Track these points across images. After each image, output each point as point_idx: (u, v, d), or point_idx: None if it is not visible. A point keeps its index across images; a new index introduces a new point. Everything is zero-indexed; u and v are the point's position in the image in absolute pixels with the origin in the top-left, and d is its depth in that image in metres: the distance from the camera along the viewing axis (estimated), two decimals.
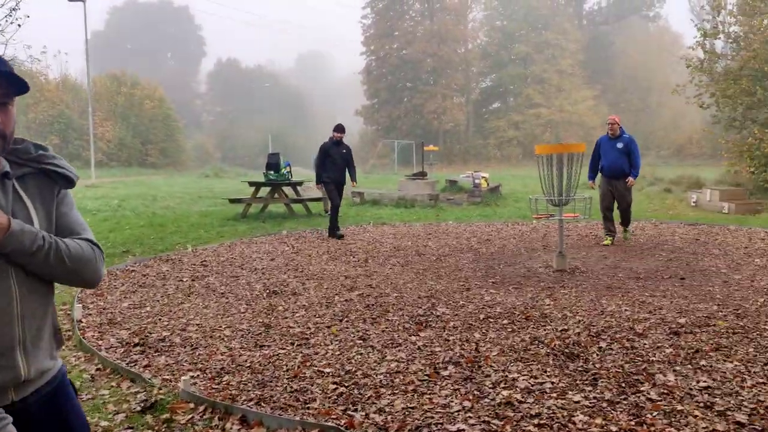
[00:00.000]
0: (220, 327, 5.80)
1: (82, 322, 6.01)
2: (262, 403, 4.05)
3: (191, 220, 14.72)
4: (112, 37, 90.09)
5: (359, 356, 4.92)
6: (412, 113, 62.90)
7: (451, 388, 4.23)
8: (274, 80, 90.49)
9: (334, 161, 11.81)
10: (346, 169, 12.06)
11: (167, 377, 4.57)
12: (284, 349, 5.15)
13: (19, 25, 10.45)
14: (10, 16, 10.77)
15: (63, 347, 5.12)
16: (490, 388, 4.21)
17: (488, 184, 20.29)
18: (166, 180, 35.75)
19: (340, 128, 11.99)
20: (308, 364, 4.77)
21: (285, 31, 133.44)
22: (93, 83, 39.53)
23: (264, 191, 15.83)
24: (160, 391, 4.28)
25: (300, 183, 16.72)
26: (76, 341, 5.50)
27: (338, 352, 5.02)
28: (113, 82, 52.48)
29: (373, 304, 6.52)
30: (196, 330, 5.73)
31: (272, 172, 15.53)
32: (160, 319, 6.11)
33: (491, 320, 5.86)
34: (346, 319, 6.01)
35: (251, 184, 16.30)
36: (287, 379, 4.47)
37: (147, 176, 40.99)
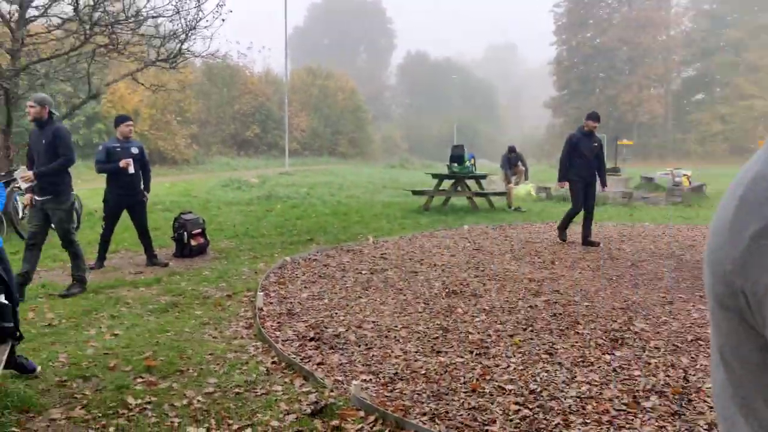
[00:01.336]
0: (396, 327, 5.55)
1: (263, 310, 6.06)
2: (437, 420, 3.70)
3: (374, 210, 14.83)
4: (310, 32, 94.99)
5: (545, 374, 4.41)
6: (605, 104, 59.71)
7: (655, 424, 3.60)
8: (462, 72, 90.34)
9: (583, 155, 9.84)
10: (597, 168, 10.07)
11: (339, 378, 4.38)
12: (462, 357, 4.77)
13: (223, 20, 10.99)
14: (217, 11, 11.37)
15: (244, 336, 5.10)
16: (705, 429, 3.53)
17: (690, 183, 18.49)
18: (353, 169, 36.89)
19: (594, 116, 9.94)
20: (488, 377, 4.35)
21: (475, 22, 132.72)
22: (291, 76, 41.80)
23: (447, 184, 15.57)
24: (331, 394, 4.09)
25: (484, 176, 16.26)
26: (256, 330, 5.52)
27: (521, 367, 4.55)
28: (309, 75, 55.24)
29: (560, 313, 5.94)
30: (372, 328, 5.52)
31: (456, 165, 15.22)
32: (336, 313, 6.00)
33: (702, 343, 5.06)
34: (530, 328, 5.50)
35: (434, 176, 16.11)
36: (465, 393, 4.08)
37: (335, 165, 42.65)
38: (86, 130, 28.17)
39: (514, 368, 4.52)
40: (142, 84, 12.35)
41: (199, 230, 9.15)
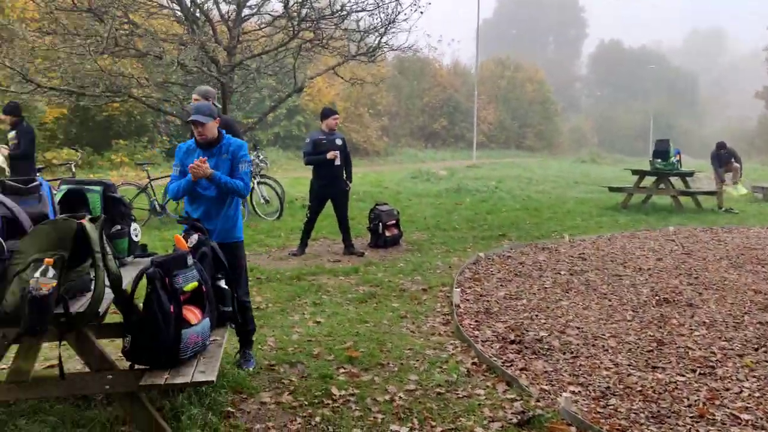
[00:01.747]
0: (603, 335, 5.16)
1: (459, 307, 5.92)
2: None
3: (567, 206, 14.20)
4: (500, 23, 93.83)
5: None
6: None
7: None
8: (659, 61, 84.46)
9: None
10: None
11: (545, 387, 4.11)
12: (683, 376, 4.29)
13: (421, 12, 11.00)
14: (415, 4, 11.40)
15: (441, 333, 4.98)
16: None
17: None
18: (541, 163, 35.86)
19: None
20: (717, 402, 3.86)
21: (674, 9, 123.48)
22: (479, 68, 41.54)
23: (648, 181, 14.51)
24: (538, 404, 3.84)
25: (690, 173, 14.96)
26: (453, 327, 5.40)
27: (757, 394, 3.99)
28: (497, 67, 54.56)
29: None
30: (577, 334, 5.18)
31: (660, 161, 14.12)
32: (536, 316, 5.71)
33: None
34: (763, 348, 4.85)
35: (635, 172, 15.08)
36: (691, 418, 3.65)
37: (522, 158, 41.75)
38: (287, 122, 29.93)
39: (749, 394, 3.98)
40: (342, 77, 12.76)
41: (394, 221, 9.24)
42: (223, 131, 4.52)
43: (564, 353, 4.75)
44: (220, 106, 7.19)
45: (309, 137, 8.37)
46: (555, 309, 5.92)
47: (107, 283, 2.99)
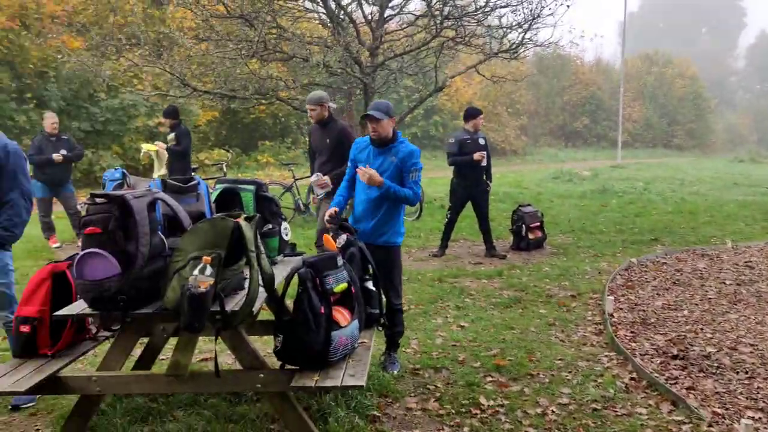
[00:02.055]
0: None
1: (613, 316, 5.54)
2: None
3: (726, 209, 13.11)
4: (646, 17, 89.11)
5: None
6: None
7: None
8: None
9: None
10: None
11: (718, 411, 3.71)
12: None
13: (568, 6, 10.54)
14: None
15: (594, 344, 4.66)
16: None
17: None
18: (692, 163, 33.59)
19: None
20: None
21: None
22: (624, 64, 39.58)
23: None
24: (711, 429, 3.47)
25: None
26: (608, 338, 5.05)
27: None
28: (644, 62, 51.75)
29: None
30: (751, 352, 4.67)
31: None
32: (701, 329, 5.23)
33: None
34: None
35: None
36: None
37: (671, 158, 39.33)
38: (424, 122, 30.01)
39: None
40: (483, 76, 12.52)
41: (537, 223, 8.90)
42: (398, 133, 4.42)
43: (737, 372, 4.28)
44: (335, 105, 7.07)
45: (453, 137, 8.20)
46: (722, 322, 5.40)
47: (261, 282, 3.00)
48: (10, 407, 3.88)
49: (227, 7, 9.74)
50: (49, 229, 9.18)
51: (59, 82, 17.23)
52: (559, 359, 4.61)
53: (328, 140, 6.36)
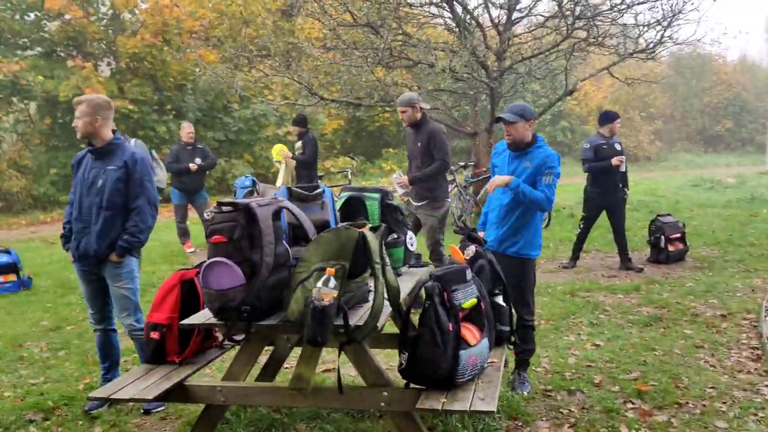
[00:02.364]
0: None
1: None
2: None
3: None
4: None
5: None
6: None
7: None
8: None
9: None
10: None
11: None
12: None
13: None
14: None
15: (751, 371, 4.16)
16: None
17: None
18: None
19: None
20: None
21: None
22: None
23: None
24: None
25: None
26: (767, 365, 4.51)
27: None
28: None
29: None
30: None
31: None
32: None
33: None
34: None
35: None
36: None
37: None
38: (551, 127, 29.12)
39: None
40: (617, 78, 11.88)
41: (678, 235, 8.24)
42: (539, 137, 4.17)
43: None
44: (427, 106, 6.85)
45: (588, 142, 7.73)
46: None
47: (386, 295, 2.85)
48: (142, 411, 3.97)
49: (354, 15, 9.80)
50: (184, 234, 9.59)
51: (196, 94, 18.16)
52: (711, 387, 4.15)
53: (419, 143, 6.22)
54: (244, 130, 18.71)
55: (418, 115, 6.20)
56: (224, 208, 2.88)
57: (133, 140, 7.13)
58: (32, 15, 16.57)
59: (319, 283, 2.67)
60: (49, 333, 5.94)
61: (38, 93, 15.60)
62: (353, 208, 3.83)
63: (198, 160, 9.20)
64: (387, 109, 11.63)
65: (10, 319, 6.47)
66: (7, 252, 8.01)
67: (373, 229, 2.92)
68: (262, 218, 2.83)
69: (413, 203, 6.32)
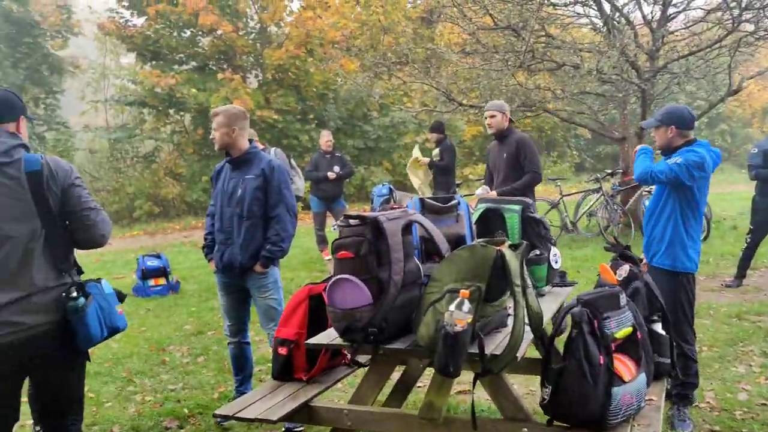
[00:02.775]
0: None
1: None
2: None
3: None
4: None
5: None
6: None
7: None
8: None
9: None
10: None
11: None
12: None
13: None
14: None
15: None
16: None
17: None
18: None
19: None
20: None
21: None
22: None
23: None
24: None
25: None
26: None
27: None
28: None
29: None
30: None
31: None
32: None
33: None
34: None
35: None
36: None
37: None
38: (708, 131, 27.03)
39: None
40: None
41: None
42: (701, 142, 3.76)
43: None
44: (510, 105, 6.43)
45: (757, 147, 6.90)
46: None
47: (526, 320, 2.54)
48: (283, 429, 3.88)
49: (494, 18, 9.47)
50: (322, 242, 9.67)
51: (337, 103, 18.51)
52: None
53: (505, 154, 5.92)
54: (383, 138, 18.83)
55: (506, 124, 5.99)
56: (351, 222, 2.70)
57: (272, 149, 7.25)
58: (188, 32, 17.60)
59: (452, 306, 2.41)
60: (191, 338, 6.10)
61: (191, 105, 16.52)
62: (491, 222, 3.53)
63: (336, 168, 9.25)
64: (528, 114, 11.18)
65: (157, 323, 6.74)
66: (158, 257, 8.43)
67: (514, 247, 2.62)
68: (390, 233, 2.61)
69: None
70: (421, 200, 3.36)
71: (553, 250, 3.54)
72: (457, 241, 3.26)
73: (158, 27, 17.14)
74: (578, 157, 23.25)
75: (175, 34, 17.54)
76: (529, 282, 2.62)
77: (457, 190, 9.67)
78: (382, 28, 17.64)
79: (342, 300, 2.64)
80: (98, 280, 2.81)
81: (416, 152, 9.55)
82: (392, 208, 3.17)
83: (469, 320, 2.39)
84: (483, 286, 2.49)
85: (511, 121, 6.07)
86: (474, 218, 3.53)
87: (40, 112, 18.42)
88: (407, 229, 2.76)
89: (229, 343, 4.29)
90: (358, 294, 2.60)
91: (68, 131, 17.81)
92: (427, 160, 9.35)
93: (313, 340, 2.85)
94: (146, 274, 8.18)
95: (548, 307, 3.12)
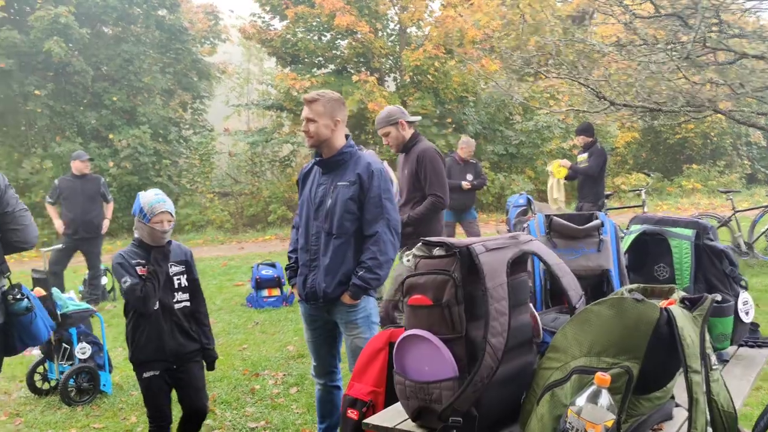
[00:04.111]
0: None
1: None
2: None
3: None
4: None
5: None
6: None
7: None
8: None
9: None
10: None
11: None
12: None
13: None
14: None
15: None
16: None
17: None
18: None
19: None
20: None
21: None
22: None
23: None
24: None
25: None
26: None
27: None
28: None
29: None
30: None
31: None
32: None
33: None
34: None
35: None
36: None
37: None
38: None
39: None
40: None
41: None
42: None
43: None
44: (415, 118, 4.81)
45: None
46: None
47: (708, 414, 1.53)
48: None
49: (656, 5, 8.15)
50: None
51: (477, 106, 17.54)
52: None
53: (406, 171, 4.55)
54: (526, 144, 17.60)
55: (407, 132, 4.56)
56: (432, 251, 1.82)
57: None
58: (327, 35, 17.38)
59: (581, 399, 1.47)
60: (290, 362, 5.46)
61: None
62: (650, 251, 2.50)
63: (470, 177, 8.39)
64: (695, 116, 9.67)
65: (260, 339, 6.19)
66: (273, 266, 7.95)
67: (689, 303, 1.62)
68: (489, 270, 1.70)
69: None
70: (548, 218, 2.41)
71: (743, 295, 2.44)
72: (598, 281, 2.29)
73: (297, 30, 17.05)
74: (750, 167, 20.64)
75: (315, 37, 17.38)
76: (714, 360, 1.61)
77: (606, 203, 8.44)
78: (529, 27, 16.49)
79: (414, 368, 1.78)
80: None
81: (557, 162, 8.51)
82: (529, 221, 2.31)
83: (609, 423, 1.44)
84: (636, 366, 1.52)
85: (411, 125, 4.61)
86: (625, 245, 2.52)
87: (187, 117, 18.98)
88: (519, 264, 1.84)
89: (316, 384, 3.55)
90: (437, 362, 1.72)
91: (210, 134, 18.16)
92: (568, 163, 8.24)
93: (374, 419, 1.98)
94: (260, 283, 7.72)
95: (737, 385, 2.06)
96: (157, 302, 3.21)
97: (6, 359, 5.88)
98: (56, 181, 8.16)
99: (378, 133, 4.66)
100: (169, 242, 3.33)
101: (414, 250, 1.86)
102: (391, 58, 17.87)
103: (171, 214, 3.26)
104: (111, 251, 9.96)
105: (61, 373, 4.71)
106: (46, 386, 4.99)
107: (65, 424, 4.38)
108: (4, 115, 15.96)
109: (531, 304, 1.95)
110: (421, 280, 1.77)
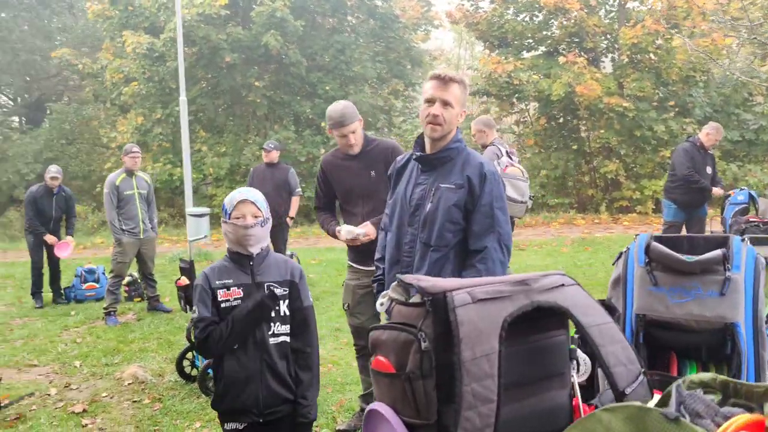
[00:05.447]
0: None
1: None
2: None
3: None
4: None
5: None
6: None
7: None
8: None
9: None
10: None
11: None
12: None
13: None
14: None
15: None
16: None
17: None
18: None
19: None
20: None
21: None
22: None
23: None
24: None
25: None
26: None
27: None
28: None
29: None
30: None
31: None
32: None
33: None
34: None
35: None
36: None
37: None
38: None
39: None
40: None
41: None
42: None
43: None
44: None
45: None
46: None
47: None
48: None
49: None
50: None
51: (708, 87, 15.49)
52: None
53: (372, 172, 3.64)
54: (766, 129, 15.19)
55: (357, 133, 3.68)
56: (411, 295, 1.29)
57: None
58: (540, 15, 16.43)
59: None
60: None
61: (530, 92, 15.39)
62: None
63: (709, 170, 7.09)
64: None
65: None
66: None
67: None
68: (469, 332, 1.14)
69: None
70: (647, 248, 1.71)
71: None
72: (717, 339, 1.57)
73: (504, 12, 16.33)
74: None
75: (526, 18, 16.55)
76: None
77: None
78: None
79: None
80: None
81: None
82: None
83: None
84: None
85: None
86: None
87: (398, 105, 19.16)
88: (545, 319, 1.24)
89: None
90: None
91: (415, 121, 18.16)
92: None
93: None
94: None
95: None
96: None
97: (170, 340, 6.08)
98: (252, 169, 8.49)
99: (338, 132, 3.61)
100: (268, 253, 2.62)
101: (390, 291, 1.35)
102: (608, 36, 16.41)
103: (257, 207, 2.53)
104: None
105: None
106: (194, 372, 5.08)
107: (197, 414, 4.38)
108: (233, 106, 17.34)
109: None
110: (383, 336, 1.26)
